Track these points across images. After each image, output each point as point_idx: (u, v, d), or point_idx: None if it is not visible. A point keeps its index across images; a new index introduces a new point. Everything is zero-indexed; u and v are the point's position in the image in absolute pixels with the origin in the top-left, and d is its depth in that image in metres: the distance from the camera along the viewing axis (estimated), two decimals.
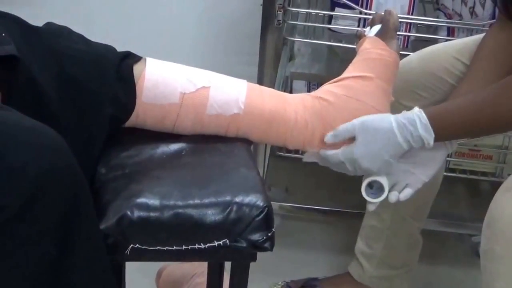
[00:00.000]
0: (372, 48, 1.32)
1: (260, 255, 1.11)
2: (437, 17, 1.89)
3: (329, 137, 1.26)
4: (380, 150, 1.24)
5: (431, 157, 1.30)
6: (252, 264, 1.14)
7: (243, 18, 2.30)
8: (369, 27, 1.39)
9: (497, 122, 1.24)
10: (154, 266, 1.73)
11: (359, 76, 1.29)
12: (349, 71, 1.32)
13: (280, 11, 1.75)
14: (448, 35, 1.85)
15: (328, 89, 1.29)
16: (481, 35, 1.48)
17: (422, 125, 1.23)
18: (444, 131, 1.24)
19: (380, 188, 1.28)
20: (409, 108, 1.27)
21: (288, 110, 1.26)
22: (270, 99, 1.26)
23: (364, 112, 1.26)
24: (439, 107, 1.29)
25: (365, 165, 1.24)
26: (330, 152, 1.27)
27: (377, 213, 1.66)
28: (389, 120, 1.24)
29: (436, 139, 1.24)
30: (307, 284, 1.78)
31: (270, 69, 1.83)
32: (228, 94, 1.23)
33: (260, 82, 1.82)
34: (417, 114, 1.24)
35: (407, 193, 1.30)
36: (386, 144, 1.23)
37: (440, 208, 1.79)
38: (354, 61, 1.34)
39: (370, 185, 1.29)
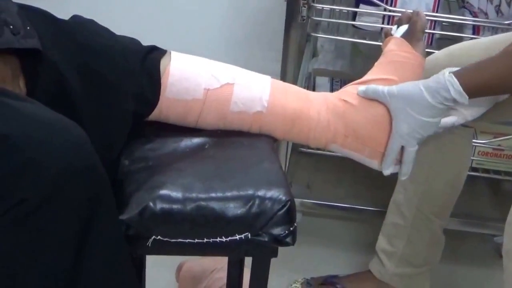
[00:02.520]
0: (397, 50, 1.32)
1: (280, 251, 1.10)
2: (462, 15, 1.88)
3: (360, 91, 1.26)
4: (416, 115, 1.24)
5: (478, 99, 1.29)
6: (272, 260, 1.13)
7: (268, 14, 2.30)
8: (395, 26, 1.39)
9: None
10: (174, 260, 1.74)
11: (383, 78, 1.29)
12: (374, 73, 1.31)
13: (305, 7, 1.75)
14: (473, 33, 1.84)
15: (352, 91, 1.28)
16: (510, 33, 1.46)
17: (456, 91, 1.22)
18: (477, 90, 1.23)
19: None
20: None
21: (311, 110, 1.25)
22: (294, 98, 1.26)
23: (387, 116, 1.26)
24: (469, 68, 1.27)
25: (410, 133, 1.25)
26: None
27: (400, 211, 1.65)
28: (418, 87, 1.23)
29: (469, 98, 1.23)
30: (327, 281, 1.78)
31: (294, 65, 1.83)
32: (252, 91, 1.23)
33: (283, 78, 1.82)
34: (449, 80, 1.23)
35: (450, 119, 1.29)
36: (421, 109, 1.23)
37: (463, 208, 1.78)
38: (378, 62, 1.34)
39: None
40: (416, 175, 1.58)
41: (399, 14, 1.77)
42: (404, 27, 1.35)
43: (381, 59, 1.33)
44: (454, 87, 1.22)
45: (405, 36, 1.33)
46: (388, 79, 1.28)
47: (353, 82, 1.31)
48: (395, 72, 1.29)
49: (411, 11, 1.38)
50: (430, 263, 1.70)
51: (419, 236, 1.66)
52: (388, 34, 1.38)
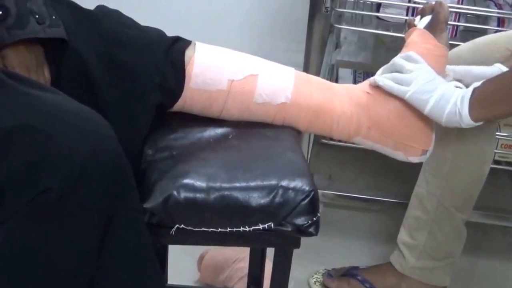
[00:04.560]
0: (420, 41, 1.31)
1: (302, 242, 1.11)
2: (487, 7, 1.87)
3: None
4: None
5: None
6: (294, 251, 1.14)
7: (291, 4, 2.29)
8: (418, 17, 1.38)
9: None
10: (196, 250, 1.75)
11: None
12: None
13: None
14: (498, 25, 1.83)
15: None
16: None
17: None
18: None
19: None
20: None
21: (335, 102, 1.25)
22: (317, 90, 1.26)
23: (411, 108, 1.25)
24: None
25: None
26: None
27: (421, 204, 1.65)
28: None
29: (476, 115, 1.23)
30: (348, 273, 1.78)
31: (316, 57, 1.83)
32: (276, 82, 1.23)
33: (306, 69, 1.81)
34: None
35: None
36: None
37: (484, 200, 1.76)
38: (401, 53, 1.33)
39: None
40: (439, 168, 1.58)
41: None
42: (427, 18, 1.35)
43: (404, 50, 1.32)
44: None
45: (428, 27, 1.33)
46: None
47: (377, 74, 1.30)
48: None
49: (434, 2, 1.37)
50: (452, 256, 1.69)
51: (440, 230, 1.65)
52: (411, 24, 1.37)
